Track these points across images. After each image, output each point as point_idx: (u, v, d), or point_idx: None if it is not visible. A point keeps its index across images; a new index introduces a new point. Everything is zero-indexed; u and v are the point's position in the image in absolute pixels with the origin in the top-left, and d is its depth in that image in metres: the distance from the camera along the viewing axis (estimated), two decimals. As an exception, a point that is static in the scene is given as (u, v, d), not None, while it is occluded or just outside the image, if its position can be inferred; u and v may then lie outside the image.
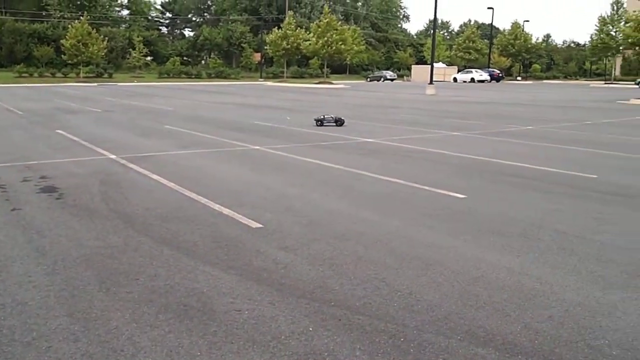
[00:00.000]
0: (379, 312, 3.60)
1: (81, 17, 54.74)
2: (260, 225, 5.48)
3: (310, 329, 3.36)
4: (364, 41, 76.80)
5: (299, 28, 59.16)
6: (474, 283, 4.09)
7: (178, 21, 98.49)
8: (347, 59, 63.39)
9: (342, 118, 15.66)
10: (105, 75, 57.47)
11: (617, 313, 3.63)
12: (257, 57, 75.00)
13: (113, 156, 9.71)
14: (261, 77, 65.88)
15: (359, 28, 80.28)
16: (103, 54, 53.97)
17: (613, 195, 7.23)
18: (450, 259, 4.61)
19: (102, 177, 7.91)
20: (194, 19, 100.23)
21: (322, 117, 15.61)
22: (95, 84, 46.83)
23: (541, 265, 4.51)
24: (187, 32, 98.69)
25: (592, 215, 6.16)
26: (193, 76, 65.13)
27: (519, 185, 7.81)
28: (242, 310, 3.59)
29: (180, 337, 3.25)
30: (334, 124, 15.33)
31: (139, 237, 5.13)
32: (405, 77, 78.68)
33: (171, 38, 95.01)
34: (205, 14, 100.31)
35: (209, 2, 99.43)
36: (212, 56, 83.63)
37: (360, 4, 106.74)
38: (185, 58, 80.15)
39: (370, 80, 71.55)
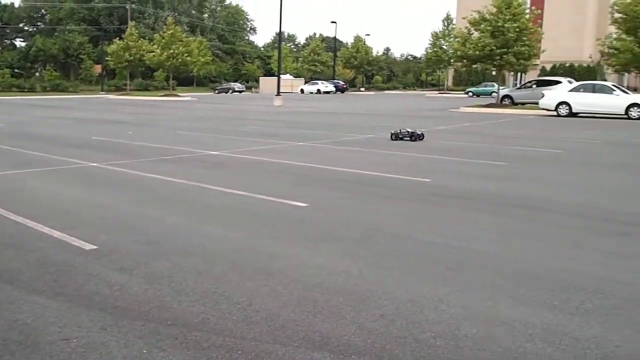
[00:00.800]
0: (217, 326, 3.55)
1: None
2: (95, 247, 5.18)
3: (145, 351, 3.23)
4: (210, 53, 76.09)
5: (142, 39, 57.26)
6: (313, 289, 4.18)
7: (8, 30, 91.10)
8: (194, 70, 62.46)
9: (419, 132, 15.16)
10: None
11: (442, 306, 3.89)
12: (98, 69, 71.46)
13: None
14: (102, 90, 62.74)
15: (205, 40, 79.36)
16: None
17: (445, 197, 7.77)
18: (291, 267, 4.68)
19: None
20: (26, 28, 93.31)
21: (398, 130, 15.30)
22: None
23: (377, 267, 4.72)
24: (19, 43, 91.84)
25: (424, 217, 6.58)
26: (26, 90, 60.37)
27: (358, 192, 8.15)
28: (70, 339, 3.37)
29: (-3, 375, 2.97)
30: (409, 139, 14.98)
31: (-46, 268, 4.64)
32: (253, 89, 79.05)
33: (0, 49, 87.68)
34: (39, 23, 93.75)
35: (42, 11, 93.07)
36: (47, 68, 78.19)
37: (206, 15, 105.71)
38: (16, 70, 74.37)
39: (219, 92, 71.08)
